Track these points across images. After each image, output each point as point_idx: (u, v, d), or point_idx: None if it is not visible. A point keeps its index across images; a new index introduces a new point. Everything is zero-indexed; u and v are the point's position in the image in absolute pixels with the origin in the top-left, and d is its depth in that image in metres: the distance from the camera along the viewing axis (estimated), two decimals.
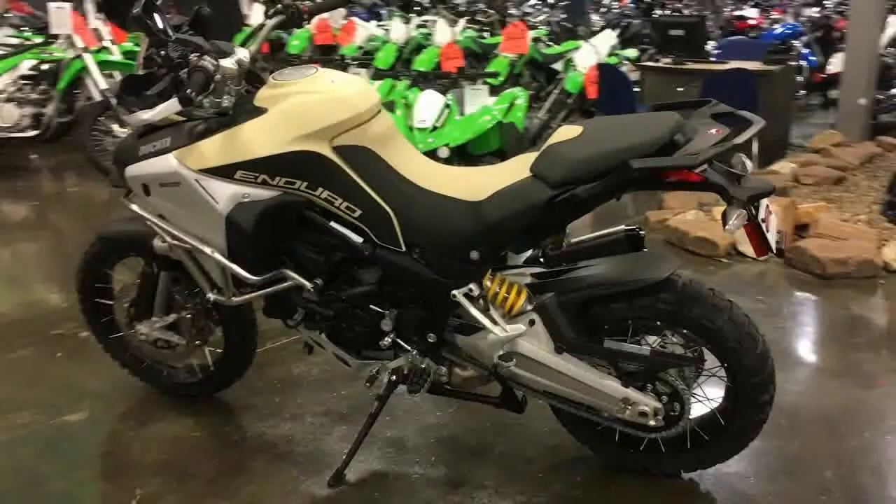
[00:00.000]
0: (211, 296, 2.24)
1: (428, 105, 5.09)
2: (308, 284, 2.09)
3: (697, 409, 2.09)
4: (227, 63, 1.99)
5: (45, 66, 5.93)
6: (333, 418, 2.54)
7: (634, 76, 6.43)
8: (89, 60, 5.78)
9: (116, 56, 6.16)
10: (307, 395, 2.69)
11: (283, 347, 3.04)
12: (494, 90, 5.48)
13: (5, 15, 7.49)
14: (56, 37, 5.89)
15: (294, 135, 1.94)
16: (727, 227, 1.73)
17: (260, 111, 1.98)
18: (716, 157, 1.72)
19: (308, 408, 2.61)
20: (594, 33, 7.88)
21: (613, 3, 12.34)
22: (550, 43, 8.38)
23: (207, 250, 2.10)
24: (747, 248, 3.87)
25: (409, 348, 2.12)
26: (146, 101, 1.99)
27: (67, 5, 5.82)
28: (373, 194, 1.98)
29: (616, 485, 2.19)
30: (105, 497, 2.19)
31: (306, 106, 1.95)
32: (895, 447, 2.35)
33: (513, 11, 10.97)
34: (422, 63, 7.18)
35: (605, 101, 5.94)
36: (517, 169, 1.91)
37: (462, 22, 8.55)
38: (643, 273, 1.92)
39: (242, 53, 2.07)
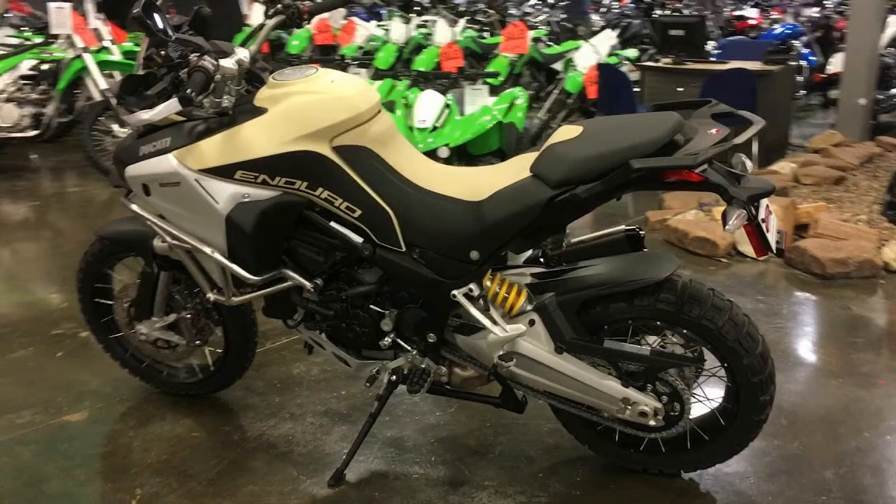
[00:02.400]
0: (211, 296, 2.24)
1: (428, 105, 5.09)
2: (308, 284, 2.09)
3: (697, 409, 2.09)
4: (227, 63, 1.99)
5: (45, 66, 5.93)
6: (333, 418, 2.54)
7: (634, 76, 6.43)
8: (89, 60, 5.78)
9: (116, 56, 6.16)
10: (307, 395, 2.69)
11: (283, 347, 3.04)
12: (494, 90, 5.48)
13: (5, 15, 7.50)
14: (56, 37, 5.90)
15: (294, 135, 1.94)
16: (727, 227, 1.73)
17: (260, 111, 1.98)
18: (716, 157, 1.72)
19: (308, 408, 2.61)
20: (594, 33, 7.88)
21: (613, 3, 12.35)
22: (550, 43, 8.38)
23: (207, 250, 2.10)
24: (747, 248, 3.88)
25: (409, 348, 2.12)
26: (146, 101, 1.99)
27: (67, 5, 5.82)
28: (373, 194, 1.98)
29: (616, 485, 2.19)
30: (105, 497, 2.18)
31: (306, 106, 1.95)
32: (895, 447, 2.35)
33: (513, 11, 10.99)
34: (422, 63, 7.18)
35: (605, 101, 5.95)
36: (517, 169, 1.92)
37: (462, 22, 8.56)
38: (643, 273, 1.92)
39: (242, 53, 2.07)
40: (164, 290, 2.46)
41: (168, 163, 2.04)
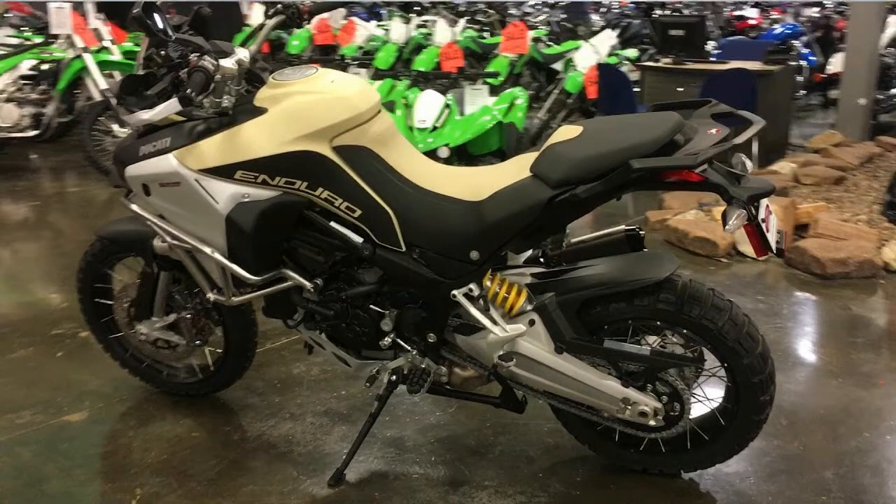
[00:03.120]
0: (211, 296, 2.24)
1: (428, 105, 5.09)
2: (308, 284, 2.09)
3: (697, 409, 2.09)
4: (227, 63, 2.00)
5: (45, 66, 5.93)
6: (333, 418, 2.54)
7: (634, 76, 6.43)
8: (89, 60, 5.78)
9: (116, 56, 6.16)
10: (307, 395, 2.69)
11: (283, 347, 3.04)
12: (494, 90, 5.48)
13: (5, 15, 7.49)
14: (56, 37, 5.90)
15: (294, 135, 1.94)
16: (727, 227, 1.73)
17: (260, 111, 1.98)
18: (716, 157, 1.72)
19: (308, 408, 2.61)
20: (594, 33, 7.88)
21: (613, 3, 12.35)
22: (550, 43, 8.39)
23: (207, 250, 2.10)
24: (747, 248, 3.88)
25: (409, 348, 2.12)
26: (146, 101, 1.99)
27: (67, 5, 5.82)
28: (373, 194, 1.98)
29: (616, 485, 2.19)
30: (105, 497, 2.18)
31: (306, 106, 1.95)
32: (895, 447, 2.35)
33: (513, 11, 10.99)
34: (422, 63, 7.18)
35: (605, 101, 5.95)
36: (517, 169, 1.91)
37: (462, 22, 8.56)
38: (643, 273, 1.92)
39: (242, 53, 2.07)
40: (164, 290, 2.46)
41: (168, 163, 2.04)
